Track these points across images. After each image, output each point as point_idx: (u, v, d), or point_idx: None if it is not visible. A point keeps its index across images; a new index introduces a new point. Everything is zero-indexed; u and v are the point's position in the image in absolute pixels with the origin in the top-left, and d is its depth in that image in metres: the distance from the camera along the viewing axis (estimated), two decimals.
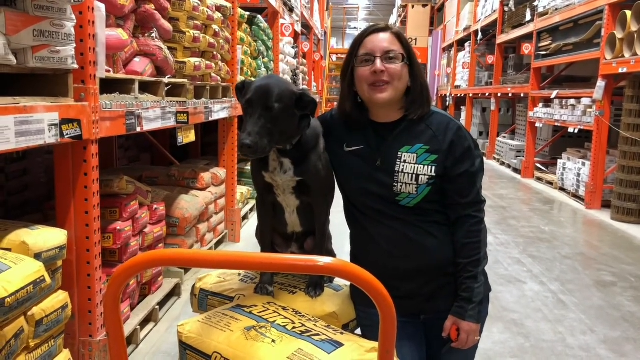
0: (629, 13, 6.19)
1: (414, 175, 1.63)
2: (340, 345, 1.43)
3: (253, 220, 5.98)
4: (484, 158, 12.76)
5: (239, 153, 1.52)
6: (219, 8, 4.43)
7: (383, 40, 1.63)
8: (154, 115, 2.98)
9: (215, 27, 4.26)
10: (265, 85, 1.56)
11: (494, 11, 12.59)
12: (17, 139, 1.88)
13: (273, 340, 1.43)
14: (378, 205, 1.68)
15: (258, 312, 1.57)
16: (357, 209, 1.75)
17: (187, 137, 3.62)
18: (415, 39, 21.21)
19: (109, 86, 2.68)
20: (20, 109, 1.90)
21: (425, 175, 1.63)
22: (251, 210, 6.21)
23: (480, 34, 13.89)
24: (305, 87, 10.84)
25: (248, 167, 6.15)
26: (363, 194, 1.70)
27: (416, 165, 1.64)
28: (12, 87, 2.07)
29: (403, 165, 1.64)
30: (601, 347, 3.26)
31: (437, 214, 1.69)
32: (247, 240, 5.33)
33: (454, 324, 1.68)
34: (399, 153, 1.66)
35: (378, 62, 1.61)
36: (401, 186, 1.64)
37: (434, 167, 1.63)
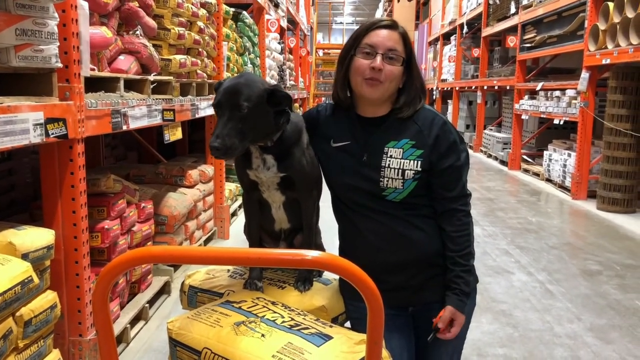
0: (611, 5, 6.25)
1: (400, 170, 1.64)
2: (330, 338, 1.45)
3: (242, 217, 5.97)
4: (471, 151, 12.87)
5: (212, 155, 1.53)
6: (203, 4, 4.42)
7: (389, 37, 1.63)
8: (140, 113, 2.97)
9: (200, 23, 4.24)
10: (233, 86, 1.55)
11: (479, 4, 12.64)
12: (1, 139, 1.87)
13: (262, 335, 1.44)
14: (365, 200, 1.70)
15: (247, 308, 1.58)
16: (345, 204, 1.76)
17: (174, 134, 3.61)
18: None
19: (93, 85, 2.67)
20: (4, 108, 1.88)
21: (411, 170, 1.64)
22: (240, 207, 6.20)
23: (465, 27, 13.95)
24: (293, 82, 10.81)
25: None
26: (350, 189, 1.71)
27: (402, 160, 1.65)
28: None
29: (389, 161, 1.65)
30: (588, 335, 3.31)
31: (424, 208, 1.70)
32: (236, 237, 5.33)
33: (452, 316, 1.68)
34: (385, 148, 1.67)
35: (379, 59, 1.61)
36: (387, 181, 1.65)
37: (419, 162, 1.65)
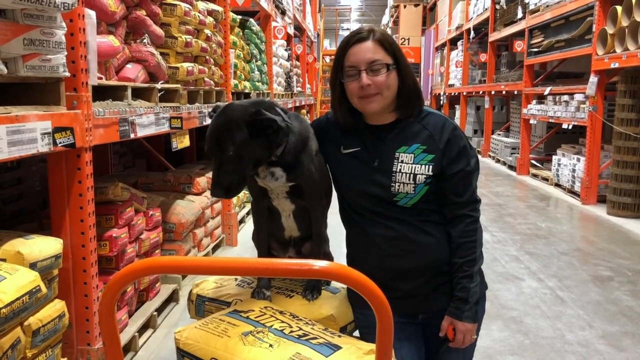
0: (619, 8, 6.22)
1: (412, 175, 1.64)
2: (338, 348, 1.43)
3: (250, 224, 5.97)
4: (479, 156, 12.81)
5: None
6: (210, 12, 4.43)
7: (366, 50, 1.60)
8: (148, 121, 2.97)
9: (207, 31, 4.26)
10: (215, 131, 1.54)
11: (486, 9, 12.62)
12: (9, 148, 1.87)
13: (270, 345, 1.43)
14: (375, 206, 1.68)
15: (255, 317, 1.57)
16: (354, 210, 1.74)
17: (182, 142, 3.62)
18: (408, 39, 21.26)
19: (101, 93, 2.68)
20: (12, 118, 1.89)
21: (422, 174, 1.64)
22: (247, 213, 6.20)
23: (472, 32, 13.93)
24: (300, 88, 10.82)
25: None
26: (361, 195, 1.70)
27: (413, 165, 1.64)
28: (3, 96, 2.06)
29: (400, 166, 1.65)
30: (600, 342, 3.27)
31: (434, 214, 1.69)
32: (244, 244, 5.32)
33: (451, 324, 1.68)
34: (396, 153, 1.66)
35: (364, 76, 1.60)
36: (399, 186, 1.64)
37: (431, 167, 1.64)
